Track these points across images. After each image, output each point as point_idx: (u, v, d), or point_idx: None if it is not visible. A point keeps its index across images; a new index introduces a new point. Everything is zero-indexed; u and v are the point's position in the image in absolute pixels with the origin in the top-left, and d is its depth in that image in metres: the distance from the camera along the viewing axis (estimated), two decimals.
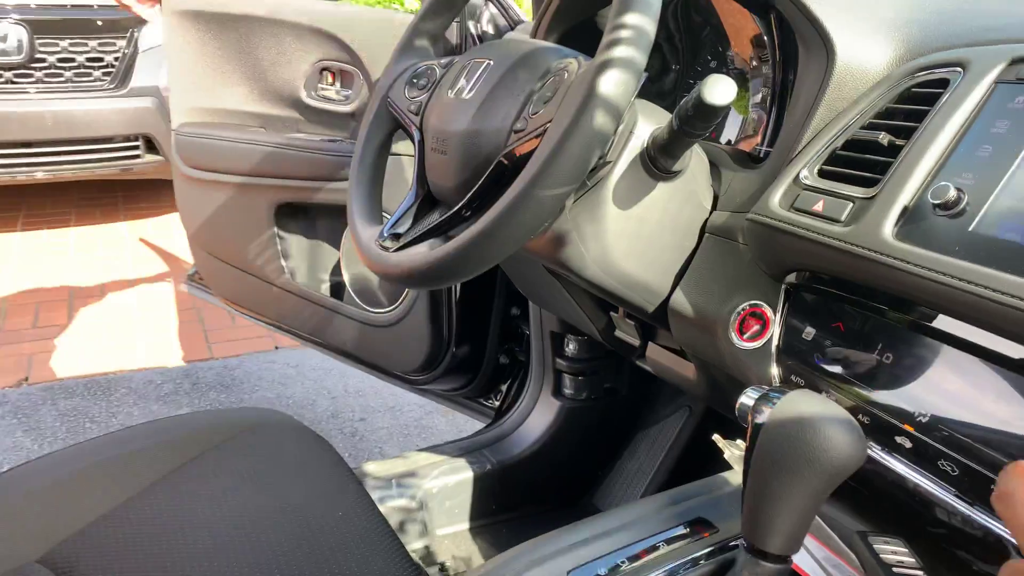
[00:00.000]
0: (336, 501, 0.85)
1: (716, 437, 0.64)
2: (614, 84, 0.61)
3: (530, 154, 0.66)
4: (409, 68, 0.91)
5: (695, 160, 0.79)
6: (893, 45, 0.71)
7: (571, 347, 1.42)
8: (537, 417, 1.44)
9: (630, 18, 0.62)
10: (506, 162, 0.70)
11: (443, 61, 0.89)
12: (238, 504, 0.85)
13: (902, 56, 0.71)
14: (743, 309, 0.75)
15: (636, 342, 1.05)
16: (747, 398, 0.54)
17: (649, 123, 0.75)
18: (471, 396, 1.68)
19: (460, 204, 0.73)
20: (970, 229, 0.55)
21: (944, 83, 0.64)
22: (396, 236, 0.78)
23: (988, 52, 0.62)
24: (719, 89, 0.64)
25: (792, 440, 0.47)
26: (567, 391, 1.44)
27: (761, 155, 0.87)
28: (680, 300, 0.82)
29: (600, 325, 1.11)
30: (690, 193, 0.81)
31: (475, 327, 1.58)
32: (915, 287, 0.57)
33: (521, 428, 1.44)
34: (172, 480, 0.87)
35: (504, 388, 1.65)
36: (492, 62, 0.78)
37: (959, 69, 0.63)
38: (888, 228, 0.59)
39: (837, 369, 0.64)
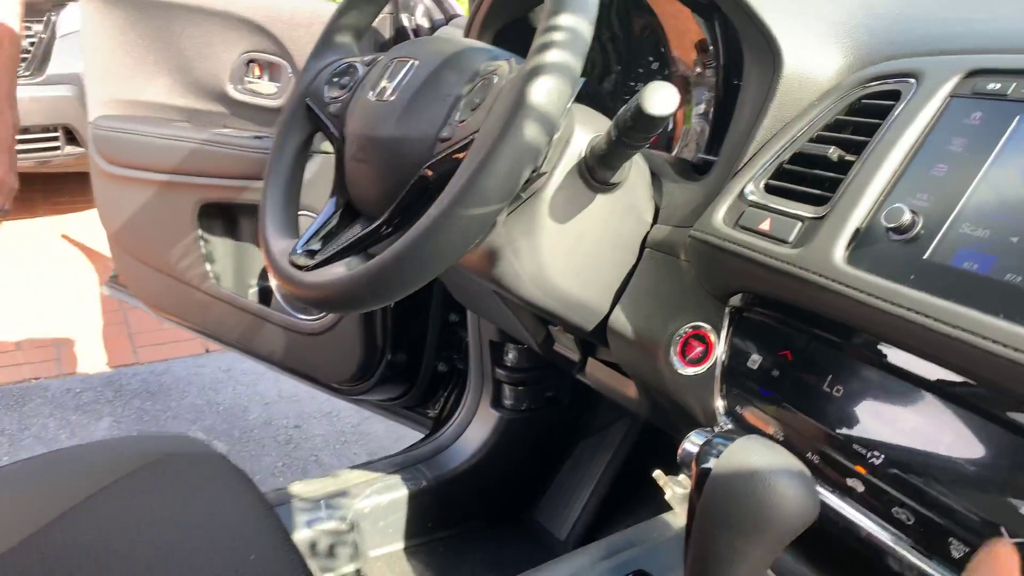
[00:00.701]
0: (249, 541, 0.77)
1: (657, 474, 0.59)
2: (546, 92, 0.56)
3: (456, 167, 0.60)
4: (330, 65, 0.84)
5: (635, 171, 0.74)
6: (842, 52, 0.67)
7: (511, 356, 1.36)
8: (475, 429, 1.38)
9: (564, 19, 0.56)
10: (430, 174, 0.64)
11: (367, 59, 0.82)
12: (139, 546, 0.76)
13: (852, 64, 0.67)
14: (685, 331, 0.71)
15: (576, 357, 1.00)
16: (690, 444, 0.49)
17: (587, 131, 0.70)
18: (408, 406, 1.61)
19: (380, 219, 0.67)
20: (925, 257, 0.51)
21: (896, 95, 0.60)
22: (311, 253, 0.71)
23: (941, 63, 0.58)
24: (659, 98, 0.59)
25: (739, 498, 0.42)
26: (507, 402, 1.38)
27: (705, 165, 0.83)
28: (619, 319, 0.77)
29: (539, 338, 1.06)
30: (630, 206, 0.76)
31: (411, 334, 1.51)
32: (867, 317, 0.53)
33: (459, 441, 1.38)
34: (68, 519, 0.79)
35: (443, 397, 1.58)
36: (417, 62, 0.71)
37: (911, 80, 0.59)
38: (839, 252, 0.55)
39: (785, 402, 0.59)
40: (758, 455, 0.43)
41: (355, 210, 0.75)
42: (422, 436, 1.53)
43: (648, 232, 0.78)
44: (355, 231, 0.71)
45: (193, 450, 0.92)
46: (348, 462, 2.17)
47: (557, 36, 0.56)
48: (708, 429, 0.52)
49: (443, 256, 0.58)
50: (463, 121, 0.63)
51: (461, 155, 0.61)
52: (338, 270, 0.66)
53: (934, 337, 0.48)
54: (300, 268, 0.69)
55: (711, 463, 0.45)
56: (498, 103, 0.59)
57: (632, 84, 0.98)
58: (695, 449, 0.48)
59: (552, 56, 0.56)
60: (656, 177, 0.79)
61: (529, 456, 1.42)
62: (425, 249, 0.57)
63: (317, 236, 0.73)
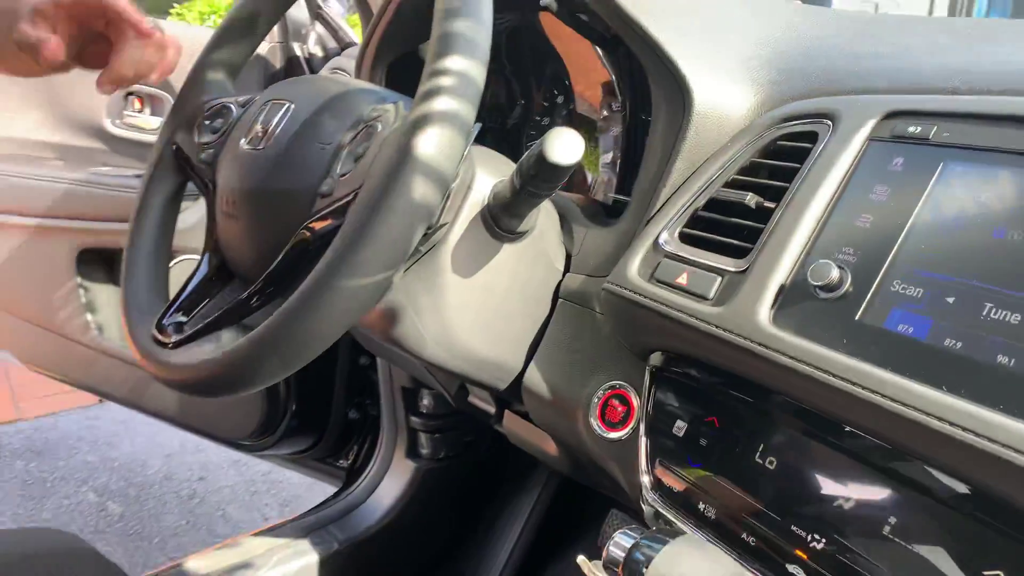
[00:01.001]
0: None
1: (581, 560, 0.53)
2: (436, 144, 0.49)
3: (338, 228, 0.52)
4: (201, 106, 0.75)
5: (544, 216, 0.69)
6: (753, 89, 0.64)
7: (426, 403, 1.28)
8: (390, 483, 1.29)
9: (453, 62, 0.50)
10: (309, 235, 0.56)
11: (242, 99, 0.73)
12: None
13: (763, 102, 0.63)
14: (604, 391, 0.65)
15: (492, 409, 0.94)
16: (616, 548, 0.43)
17: (489, 176, 0.64)
18: (319, 457, 1.50)
19: (253, 288, 0.58)
20: (857, 318, 0.46)
21: (812, 136, 0.56)
22: (178, 326, 0.62)
23: (858, 104, 0.55)
24: (562, 145, 0.54)
25: None
26: (423, 451, 1.30)
27: (616, 207, 0.78)
28: (534, 377, 0.71)
29: (452, 390, 0.98)
30: (540, 254, 0.70)
31: (318, 381, 1.41)
32: (796, 384, 0.48)
33: (373, 497, 1.29)
34: None
35: (355, 446, 1.49)
36: (294, 105, 0.63)
37: (827, 122, 0.56)
38: (764, 312, 0.50)
39: (714, 474, 0.54)
40: (690, 565, 0.38)
41: (230, 272, 0.67)
42: (335, 490, 1.43)
43: (561, 281, 0.72)
44: (228, 298, 0.63)
45: (58, 546, 0.80)
46: (259, 515, 2.03)
47: (445, 81, 0.50)
48: (635, 528, 0.46)
49: (323, 335, 0.50)
50: (345, 174, 0.56)
51: (344, 215, 0.54)
52: (205, 348, 0.57)
53: (871, 409, 0.43)
54: (164, 346, 0.60)
55: (640, 571, 0.39)
56: (381, 157, 0.52)
57: (539, 119, 0.93)
58: (622, 554, 0.42)
59: (441, 103, 0.49)
60: (566, 221, 0.74)
61: (449, 506, 1.33)
62: (301, 328, 0.50)
63: (185, 304, 0.64)
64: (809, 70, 0.63)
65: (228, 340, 0.57)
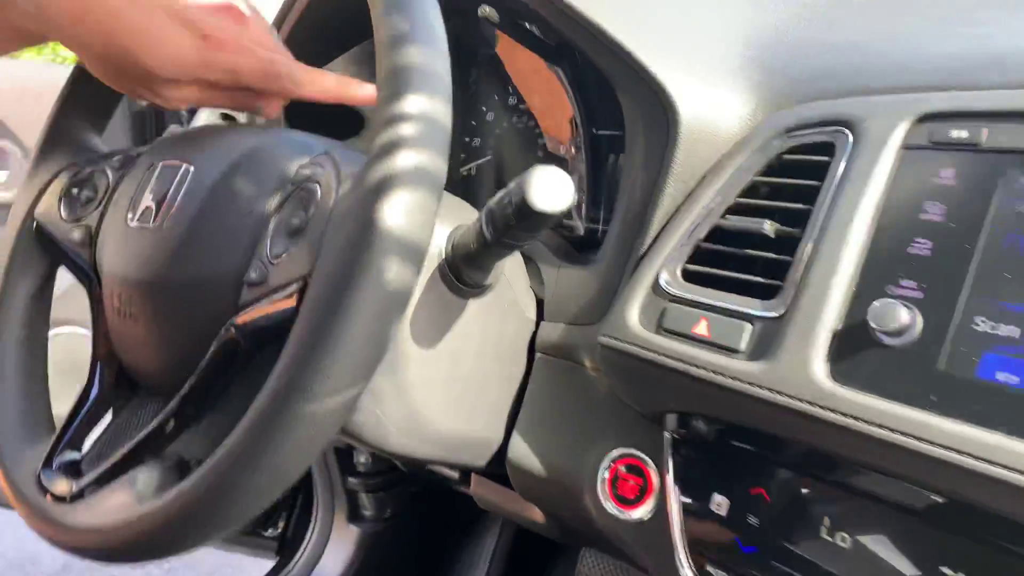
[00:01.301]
0: None
1: None
2: (407, 213, 0.38)
3: (278, 326, 0.40)
4: (64, 171, 0.60)
5: (508, 259, 0.58)
6: (744, 94, 0.55)
7: (363, 460, 1.15)
8: (333, 554, 1.16)
9: (411, 103, 0.39)
10: (236, 335, 0.43)
11: (116, 158, 0.59)
12: None
13: (756, 109, 0.55)
14: (612, 462, 0.56)
15: (455, 475, 0.83)
16: None
17: (445, 224, 0.53)
18: (245, 531, 1.34)
19: (169, 408, 0.45)
20: (941, 367, 0.39)
21: (827, 148, 0.49)
22: (73, 468, 0.48)
23: (881, 106, 0.47)
24: (549, 188, 0.44)
25: None
26: (366, 512, 1.17)
27: (589, 238, 0.68)
28: (520, 451, 0.61)
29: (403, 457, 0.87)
30: (510, 304, 0.60)
31: None
32: (872, 452, 0.40)
33: (315, 573, 1.15)
34: None
35: (285, 513, 1.33)
36: (192, 167, 0.50)
37: (844, 130, 0.48)
38: (819, 365, 0.42)
39: (775, 560, 0.46)
40: None
41: (132, 383, 0.53)
42: (268, 563, 1.27)
43: (535, 332, 0.62)
44: (133, 422, 0.49)
45: None
46: None
47: (407, 129, 0.38)
48: None
49: (285, 475, 0.38)
50: (280, 256, 0.44)
51: (282, 304, 0.42)
52: (120, 501, 0.43)
53: (978, 480, 0.36)
54: (60, 500, 0.46)
55: None
56: (337, 231, 0.40)
57: (468, 140, 0.82)
58: None
59: (406, 158, 0.38)
60: (531, 261, 0.64)
61: (403, 568, 1.21)
62: (256, 471, 0.37)
63: (77, 434, 0.50)
64: (804, 69, 0.55)
65: (148, 485, 0.43)
